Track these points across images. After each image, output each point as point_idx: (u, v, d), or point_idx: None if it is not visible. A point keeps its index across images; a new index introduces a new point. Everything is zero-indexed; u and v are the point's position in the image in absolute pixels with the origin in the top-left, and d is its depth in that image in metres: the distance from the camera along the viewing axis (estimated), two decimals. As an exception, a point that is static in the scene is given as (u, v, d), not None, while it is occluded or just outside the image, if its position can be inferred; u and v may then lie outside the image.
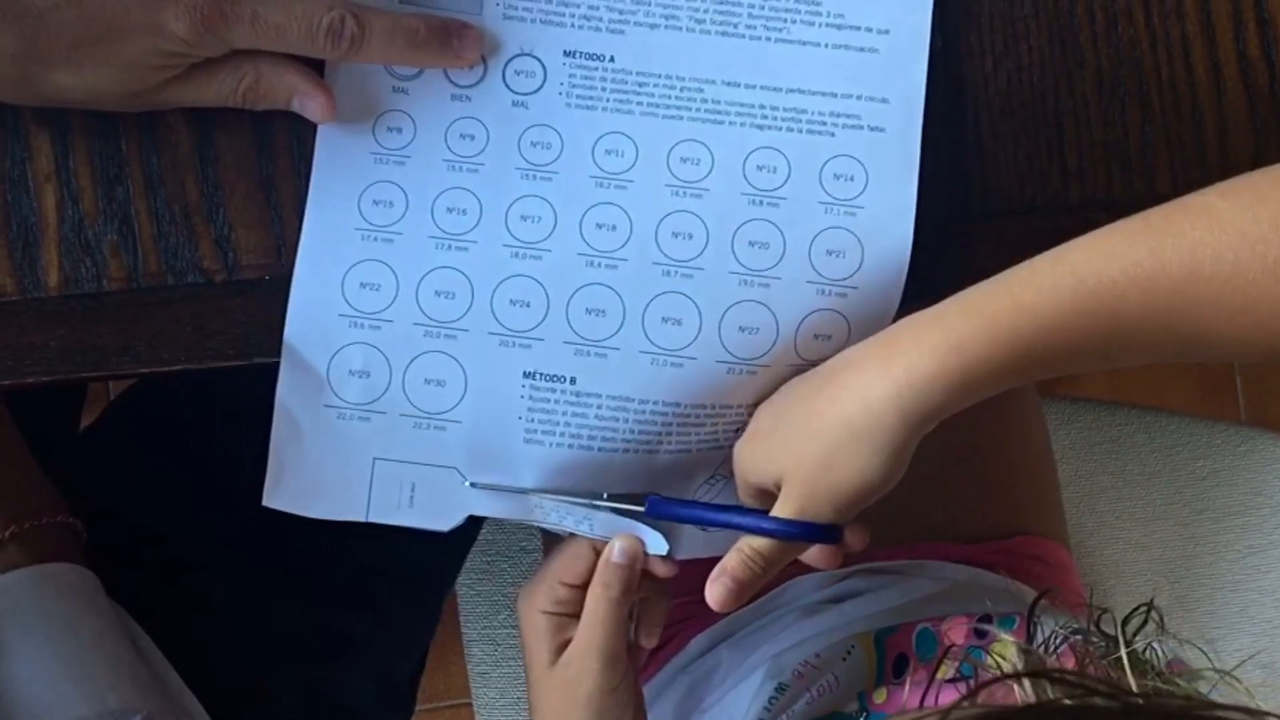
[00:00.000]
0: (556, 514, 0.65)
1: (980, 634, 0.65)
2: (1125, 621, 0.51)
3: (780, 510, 0.61)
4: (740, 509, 0.64)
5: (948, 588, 0.76)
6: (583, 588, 0.65)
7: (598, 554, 0.65)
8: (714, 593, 0.62)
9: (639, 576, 0.64)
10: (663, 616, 0.68)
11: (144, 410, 0.87)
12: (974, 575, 0.82)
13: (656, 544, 0.64)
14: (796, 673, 0.72)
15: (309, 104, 0.62)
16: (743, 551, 0.62)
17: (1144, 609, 0.50)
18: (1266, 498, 1.01)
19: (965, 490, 0.88)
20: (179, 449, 0.83)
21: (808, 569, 0.68)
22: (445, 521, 0.65)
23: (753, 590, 0.62)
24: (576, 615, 0.65)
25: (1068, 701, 0.45)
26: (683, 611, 0.82)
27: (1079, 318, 0.54)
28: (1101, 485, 1.02)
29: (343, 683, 0.81)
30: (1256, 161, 0.66)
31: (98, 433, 0.88)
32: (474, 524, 0.67)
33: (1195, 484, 1.02)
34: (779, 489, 0.61)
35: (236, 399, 0.75)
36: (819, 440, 0.59)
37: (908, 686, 0.66)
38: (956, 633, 0.69)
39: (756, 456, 0.63)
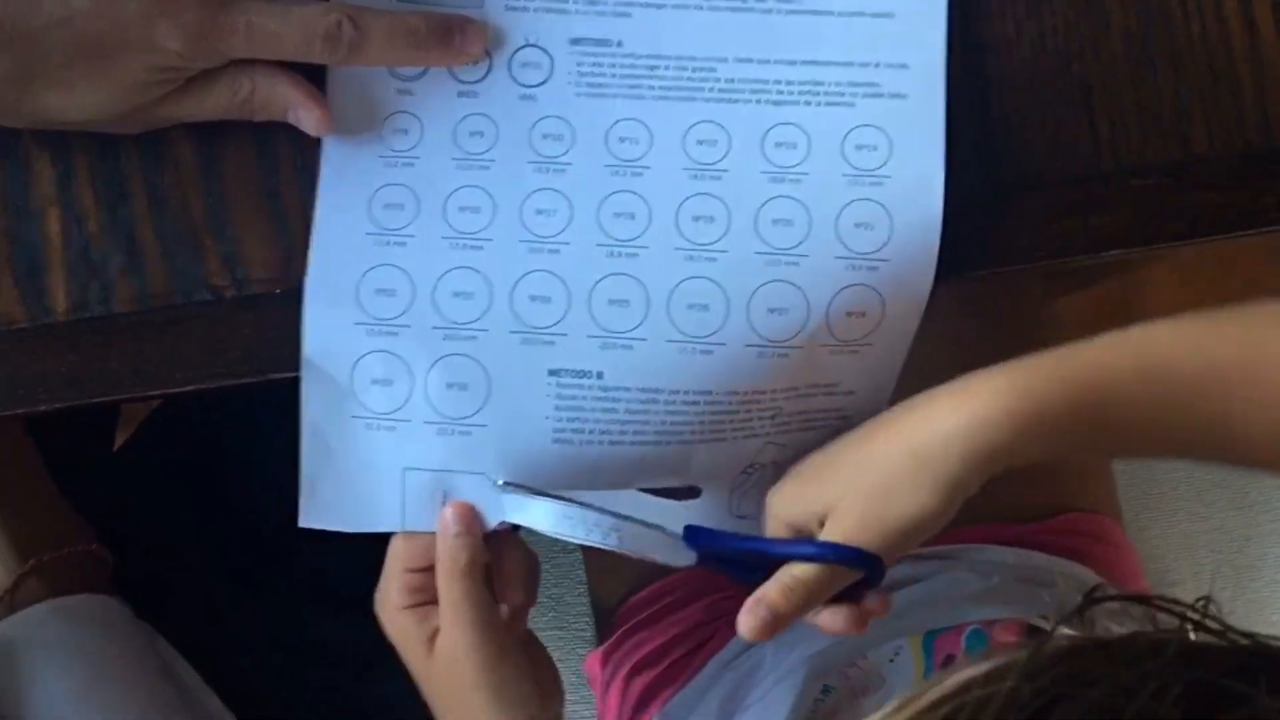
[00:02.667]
0: (584, 526, 0.62)
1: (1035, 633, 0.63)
2: (1183, 619, 0.49)
3: (827, 536, 0.59)
4: (781, 539, 0.61)
5: (996, 583, 0.74)
6: (430, 569, 0.62)
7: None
8: (748, 623, 0.58)
9: (481, 539, 0.62)
10: (525, 567, 0.65)
11: (174, 428, 0.87)
12: (1023, 557, 0.80)
13: (684, 556, 0.62)
14: (843, 674, 0.70)
15: (304, 117, 0.61)
16: (783, 580, 0.59)
17: (1202, 602, 0.48)
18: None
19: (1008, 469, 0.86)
20: (207, 465, 0.83)
21: None
22: (484, 523, 0.63)
23: (788, 624, 0.59)
24: (433, 600, 0.63)
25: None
26: (725, 607, 0.80)
27: (1144, 387, 0.55)
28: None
29: (381, 694, 0.80)
30: (1298, 117, 0.63)
31: (130, 451, 0.88)
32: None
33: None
34: (821, 526, 0.59)
35: (261, 412, 0.74)
36: (877, 468, 0.58)
37: None
38: (1007, 635, 0.67)
39: (802, 496, 0.61)
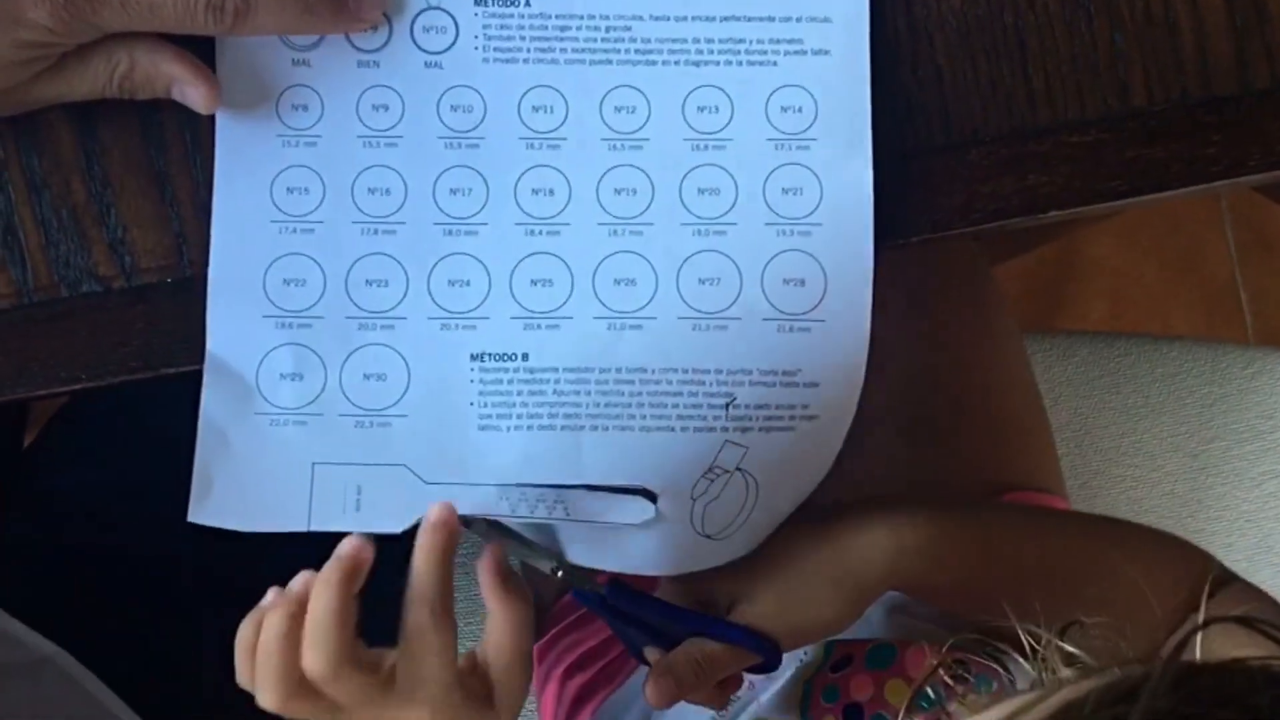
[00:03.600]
0: (526, 504, 0.60)
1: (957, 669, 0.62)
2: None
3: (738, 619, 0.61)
4: (700, 614, 0.62)
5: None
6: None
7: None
8: (657, 691, 0.60)
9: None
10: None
11: (80, 425, 0.83)
12: None
13: (642, 510, 0.60)
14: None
15: (189, 93, 0.57)
16: (693, 655, 0.61)
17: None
18: (1279, 420, 0.97)
19: (947, 449, 0.85)
20: (115, 464, 0.80)
21: None
22: (398, 523, 0.60)
23: (691, 694, 0.62)
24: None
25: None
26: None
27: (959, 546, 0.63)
28: (1103, 422, 0.98)
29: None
30: (1239, 67, 0.60)
31: (37, 453, 0.85)
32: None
33: (1202, 411, 0.98)
34: (729, 610, 0.62)
35: (179, 396, 0.71)
36: (802, 579, 0.61)
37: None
38: (915, 663, 0.69)
39: (722, 575, 0.62)
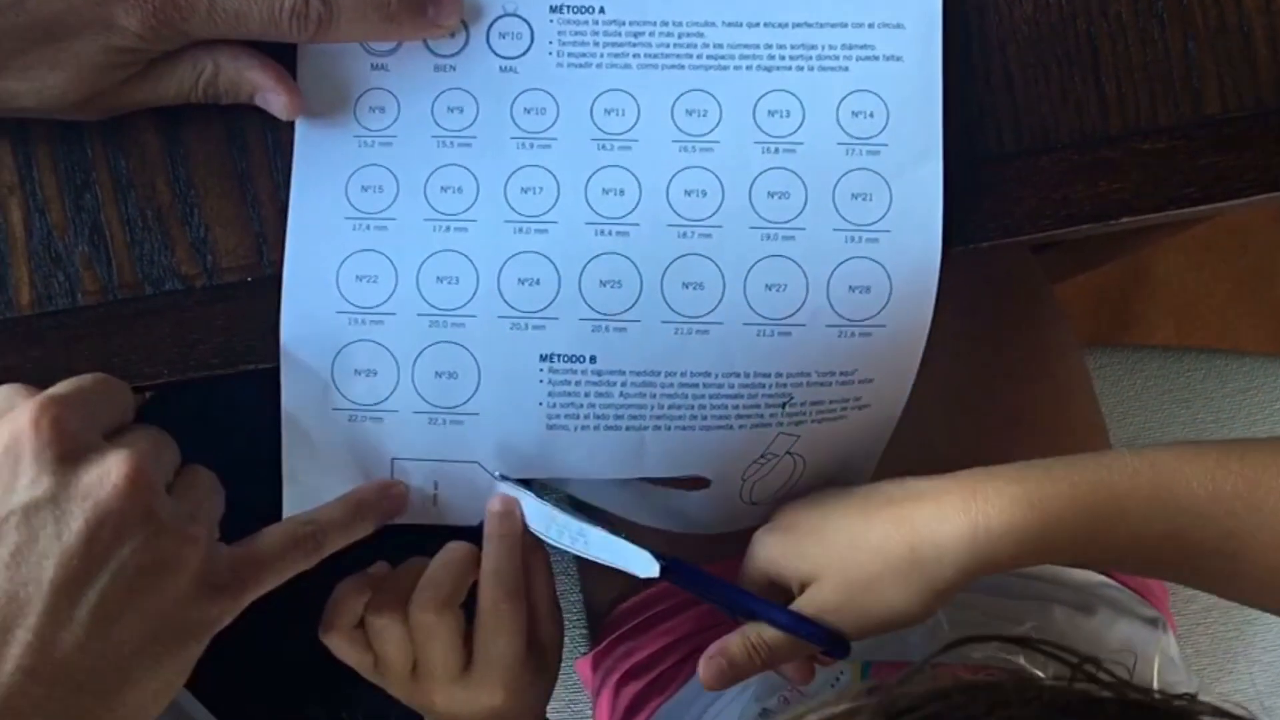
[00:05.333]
0: (554, 528, 0.61)
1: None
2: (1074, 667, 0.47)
3: (801, 608, 0.59)
4: (760, 599, 0.61)
5: (951, 619, 0.71)
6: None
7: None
8: (708, 671, 0.60)
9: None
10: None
11: (160, 423, 0.84)
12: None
13: (647, 567, 0.60)
14: (783, 697, 0.69)
15: (271, 100, 0.58)
16: (748, 639, 0.60)
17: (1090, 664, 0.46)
18: (1351, 437, 0.95)
19: (1009, 461, 0.83)
20: (201, 457, 0.81)
21: None
22: (473, 517, 0.62)
23: (745, 678, 0.60)
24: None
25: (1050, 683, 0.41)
26: (713, 619, 0.79)
27: (1155, 509, 0.55)
28: (1171, 436, 0.97)
29: (372, 710, 0.78)
30: (1315, 72, 0.60)
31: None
32: None
33: (1272, 428, 0.97)
34: (801, 590, 0.60)
35: (258, 398, 0.72)
36: (870, 556, 0.58)
37: None
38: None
39: (787, 551, 0.61)
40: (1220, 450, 0.56)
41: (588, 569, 0.93)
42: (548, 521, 0.61)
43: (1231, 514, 0.54)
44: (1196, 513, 0.55)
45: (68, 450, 0.50)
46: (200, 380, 0.61)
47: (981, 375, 0.84)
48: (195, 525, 0.52)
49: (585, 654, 0.90)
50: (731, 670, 0.60)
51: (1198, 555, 0.55)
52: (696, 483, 0.64)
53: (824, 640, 0.59)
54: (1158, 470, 0.55)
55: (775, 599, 0.61)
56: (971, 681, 0.37)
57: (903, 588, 0.57)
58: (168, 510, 0.51)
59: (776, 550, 0.61)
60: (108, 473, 0.50)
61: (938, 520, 0.56)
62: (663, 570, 0.59)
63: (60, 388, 0.52)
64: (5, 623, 0.48)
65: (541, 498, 0.61)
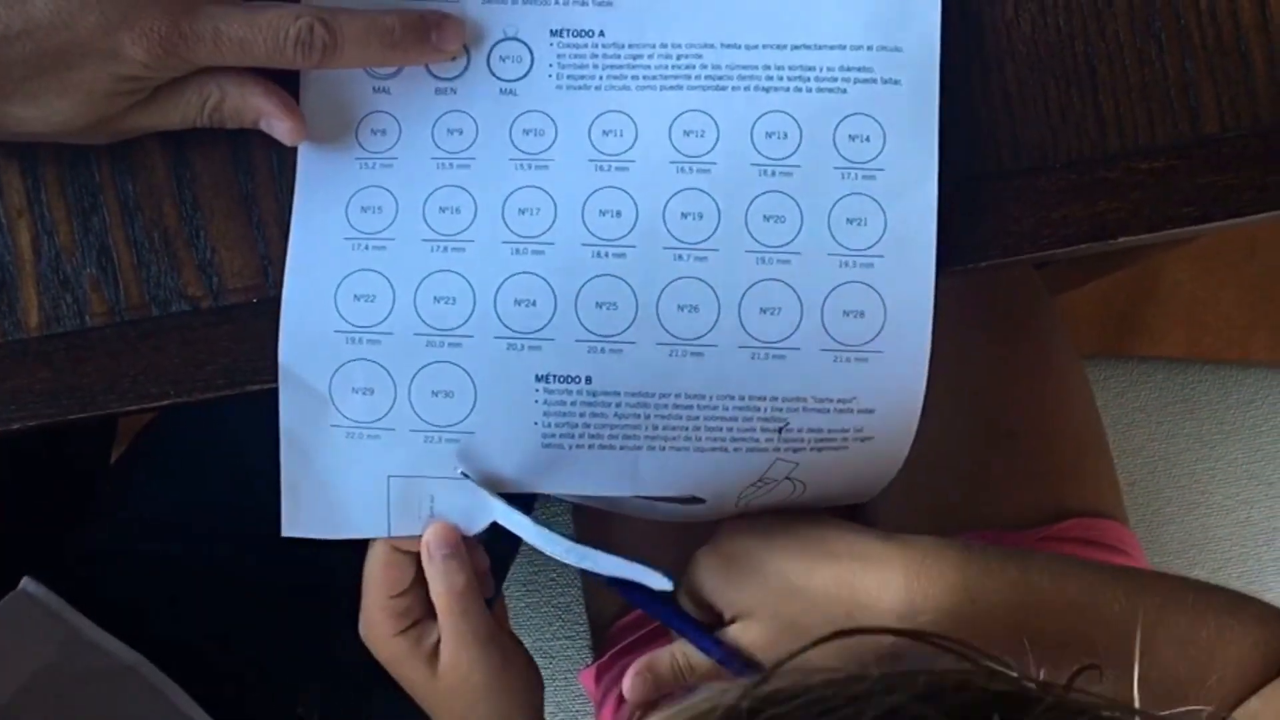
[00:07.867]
0: (561, 548, 0.61)
1: None
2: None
3: (734, 638, 0.61)
4: (692, 623, 0.63)
5: None
6: (414, 588, 0.62)
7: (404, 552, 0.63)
8: (634, 685, 0.62)
9: (466, 555, 0.62)
10: (484, 562, 0.65)
11: (165, 442, 0.85)
12: None
13: (659, 581, 0.61)
14: None
15: (276, 126, 0.59)
16: (676, 660, 0.62)
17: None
18: (1357, 447, 0.96)
19: (1005, 474, 0.84)
20: (198, 481, 0.81)
21: None
22: (469, 528, 0.62)
23: (668, 694, 0.63)
24: (423, 617, 0.63)
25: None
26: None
27: (1071, 623, 0.59)
28: (1178, 448, 0.97)
29: (387, 710, 0.78)
30: (1312, 91, 0.60)
31: (124, 469, 0.87)
32: (513, 537, 0.64)
33: (1277, 439, 0.96)
34: (732, 620, 0.61)
35: (262, 417, 0.73)
36: (810, 609, 0.59)
37: None
38: None
39: (727, 582, 0.62)
40: (1127, 580, 0.60)
41: (589, 581, 0.94)
42: (550, 543, 0.61)
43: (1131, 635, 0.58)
44: (1108, 631, 0.58)
45: None
46: (206, 402, 0.61)
47: (981, 386, 0.85)
48: None
49: (589, 665, 0.90)
50: (656, 686, 0.62)
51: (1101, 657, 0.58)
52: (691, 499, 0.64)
53: (745, 675, 0.60)
54: (1080, 586, 0.59)
55: (708, 618, 0.62)
56: (837, 675, 0.37)
57: (836, 647, 0.58)
58: None
59: (717, 579, 0.62)
60: None
61: (879, 589, 0.58)
62: (609, 581, 0.61)
63: None
64: None
65: (538, 523, 0.61)
